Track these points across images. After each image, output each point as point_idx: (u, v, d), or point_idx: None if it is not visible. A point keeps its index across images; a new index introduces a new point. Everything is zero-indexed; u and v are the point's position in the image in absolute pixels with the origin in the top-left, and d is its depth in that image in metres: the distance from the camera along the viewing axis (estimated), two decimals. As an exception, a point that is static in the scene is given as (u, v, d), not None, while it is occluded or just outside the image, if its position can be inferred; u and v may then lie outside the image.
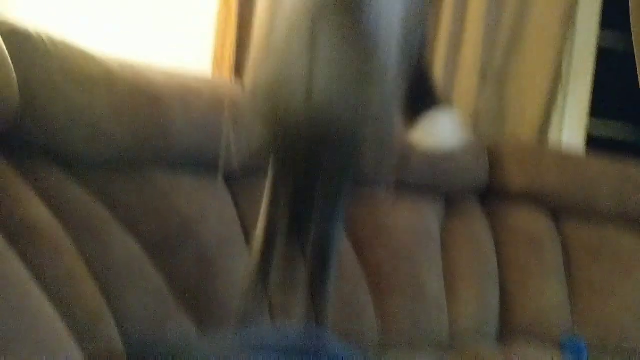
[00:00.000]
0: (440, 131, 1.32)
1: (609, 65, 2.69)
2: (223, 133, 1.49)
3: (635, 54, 2.38)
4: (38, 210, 1.08)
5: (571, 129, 2.69)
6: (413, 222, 1.94)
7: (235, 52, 2.08)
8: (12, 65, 1.08)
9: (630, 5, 2.36)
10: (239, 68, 2.07)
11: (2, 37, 1.08)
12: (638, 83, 2.38)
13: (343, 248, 1.63)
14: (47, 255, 1.02)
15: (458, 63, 2.40)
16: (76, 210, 1.20)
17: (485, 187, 2.18)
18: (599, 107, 2.71)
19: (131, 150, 1.40)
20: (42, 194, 1.13)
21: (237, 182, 1.57)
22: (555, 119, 2.56)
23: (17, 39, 1.17)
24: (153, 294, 1.22)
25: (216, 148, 1.50)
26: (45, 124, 1.22)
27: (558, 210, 2.22)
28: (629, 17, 2.38)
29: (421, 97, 1.34)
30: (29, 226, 1.02)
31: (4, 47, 1.07)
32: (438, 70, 2.35)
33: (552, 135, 2.58)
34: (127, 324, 1.13)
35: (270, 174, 1.13)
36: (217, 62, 2.02)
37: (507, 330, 1.97)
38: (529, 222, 2.16)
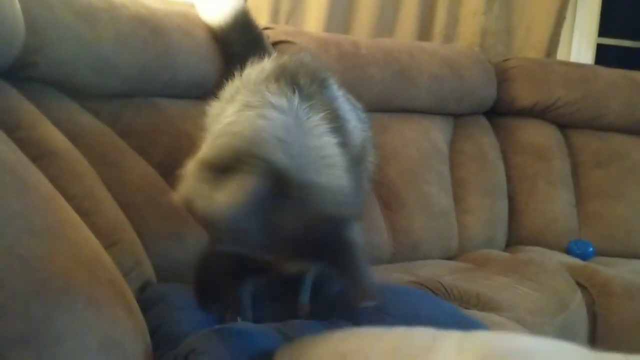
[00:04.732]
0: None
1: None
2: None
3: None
4: (54, 135, 1.11)
5: (580, 48, 2.67)
6: (421, 141, 1.97)
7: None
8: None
9: None
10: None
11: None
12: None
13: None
14: (67, 176, 1.05)
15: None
16: (90, 137, 1.24)
17: (494, 105, 2.19)
18: (607, 26, 2.67)
19: (138, 81, 1.42)
20: (56, 122, 1.16)
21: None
22: (563, 38, 2.53)
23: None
24: (171, 213, 1.26)
25: (219, 74, 1.53)
26: (51, 56, 1.24)
27: (566, 123, 2.22)
28: None
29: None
30: (47, 149, 1.06)
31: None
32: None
33: (561, 56, 2.56)
34: (148, 240, 1.18)
35: None
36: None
37: (516, 238, 2.01)
38: (536, 134, 2.17)
